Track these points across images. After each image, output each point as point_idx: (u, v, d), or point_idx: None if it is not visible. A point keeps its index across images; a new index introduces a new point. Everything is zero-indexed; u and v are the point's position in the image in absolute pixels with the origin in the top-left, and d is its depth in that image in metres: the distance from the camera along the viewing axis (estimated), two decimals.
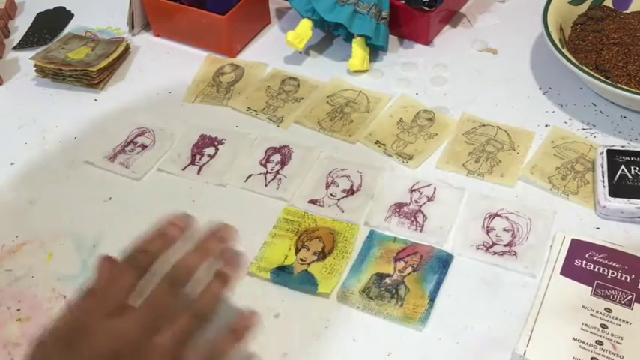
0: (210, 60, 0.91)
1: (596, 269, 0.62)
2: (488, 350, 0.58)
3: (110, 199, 0.74)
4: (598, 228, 0.67)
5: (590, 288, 0.61)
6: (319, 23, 0.88)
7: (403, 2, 0.88)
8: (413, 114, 0.81)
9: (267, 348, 0.59)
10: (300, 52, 0.90)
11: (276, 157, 0.76)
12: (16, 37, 0.98)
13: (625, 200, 0.66)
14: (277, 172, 0.75)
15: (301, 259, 0.66)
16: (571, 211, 0.69)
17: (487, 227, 0.67)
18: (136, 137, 0.80)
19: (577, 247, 0.64)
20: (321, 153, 0.77)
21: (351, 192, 0.72)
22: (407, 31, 0.91)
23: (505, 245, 0.66)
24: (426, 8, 0.86)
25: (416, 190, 0.72)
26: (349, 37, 0.88)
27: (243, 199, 0.73)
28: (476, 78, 0.85)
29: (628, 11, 0.88)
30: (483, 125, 0.78)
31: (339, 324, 0.61)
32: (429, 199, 0.71)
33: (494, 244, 0.66)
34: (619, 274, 0.61)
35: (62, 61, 0.87)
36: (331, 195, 0.72)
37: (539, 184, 0.71)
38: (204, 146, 0.78)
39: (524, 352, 0.56)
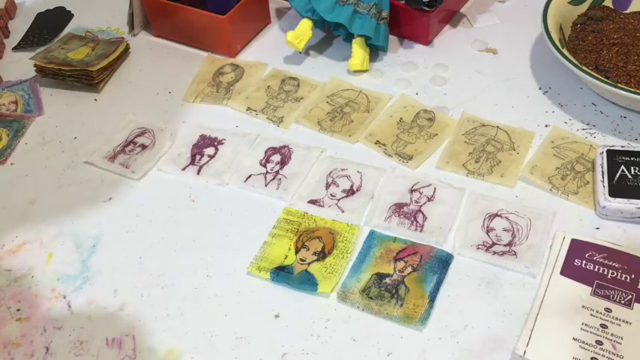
0: (210, 60, 0.91)
1: (596, 269, 0.62)
2: (488, 350, 0.58)
3: (110, 199, 0.74)
4: (598, 228, 0.67)
5: (590, 288, 0.61)
6: (319, 23, 0.88)
7: (403, 2, 0.88)
8: (413, 114, 0.81)
9: (267, 348, 0.60)
10: (300, 52, 0.90)
11: (276, 157, 0.76)
12: (16, 37, 0.98)
13: (625, 200, 0.66)
14: (277, 172, 0.75)
15: (301, 259, 0.66)
16: (571, 211, 0.69)
17: (487, 227, 0.67)
18: (136, 137, 0.80)
19: (577, 247, 0.64)
20: (321, 153, 0.77)
21: (351, 192, 0.72)
22: (407, 31, 0.91)
23: (505, 245, 0.66)
24: (426, 8, 0.86)
25: (416, 190, 0.72)
26: (349, 37, 0.88)
27: (243, 199, 0.73)
28: (476, 78, 0.85)
29: (628, 11, 0.88)
30: (483, 125, 0.78)
31: (339, 324, 0.61)
32: (429, 199, 0.71)
33: (494, 244, 0.66)
34: (619, 274, 0.61)
35: (62, 61, 0.87)
36: (331, 195, 0.72)
37: (539, 184, 0.71)
38: (204, 146, 0.78)
39: (524, 352, 0.56)
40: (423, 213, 0.69)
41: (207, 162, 0.77)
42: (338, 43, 0.92)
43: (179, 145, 0.79)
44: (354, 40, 0.86)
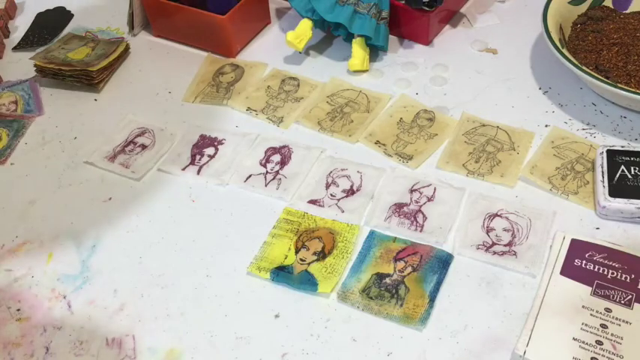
0: (210, 60, 0.91)
1: (596, 269, 0.62)
2: (488, 350, 0.58)
3: (110, 199, 0.74)
4: (598, 228, 0.67)
5: (590, 288, 0.61)
6: (319, 23, 0.88)
7: (403, 2, 0.88)
8: (413, 114, 0.81)
9: (267, 348, 0.60)
10: (300, 52, 0.90)
11: (276, 157, 0.76)
12: (16, 37, 0.98)
13: (625, 200, 0.66)
14: (277, 172, 0.75)
15: (301, 259, 0.66)
16: (571, 211, 0.69)
17: (487, 227, 0.67)
18: (136, 137, 0.80)
19: (577, 247, 0.64)
20: (321, 153, 0.77)
21: (351, 192, 0.72)
22: (407, 31, 0.91)
23: (505, 245, 0.66)
24: (426, 8, 0.86)
25: (416, 190, 0.72)
26: (349, 37, 0.88)
27: (243, 199, 0.73)
28: (476, 78, 0.85)
29: (628, 11, 0.88)
30: (483, 125, 0.78)
31: (339, 324, 0.61)
32: (429, 199, 0.71)
33: (494, 244, 0.66)
34: (619, 274, 0.61)
35: (62, 61, 0.87)
36: (331, 195, 0.72)
37: (539, 184, 0.71)
38: (204, 146, 0.78)
39: (524, 352, 0.56)
40: (423, 213, 0.69)
41: (207, 162, 0.77)
42: (338, 43, 0.92)
43: (179, 145, 0.79)
44: (354, 40, 0.86)
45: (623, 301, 0.59)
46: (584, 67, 0.75)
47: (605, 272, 0.62)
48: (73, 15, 1.01)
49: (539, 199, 0.70)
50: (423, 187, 0.72)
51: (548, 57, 0.85)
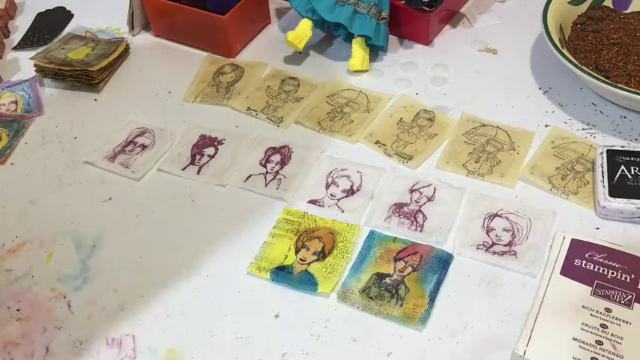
0: (210, 60, 0.91)
1: (596, 269, 0.62)
2: (488, 350, 0.58)
3: (110, 199, 0.74)
4: (598, 228, 0.67)
5: (590, 288, 0.61)
6: (319, 23, 0.88)
7: (403, 2, 0.88)
8: (413, 114, 0.81)
9: (267, 348, 0.60)
10: (300, 52, 0.90)
11: (276, 157, 0.76)
12: (16, 37, 0.98)
13: (625, 200, 0.66)
14: (277, 172, 0.75)
15: (301, 259, 0.66)
16: (571, 211, 0.69)
17: (487, 227, 0.67)
18: (136, 137, 0.80)
19: (577, 247, 0.64)
20: (321, 153, 0.77)
21: (351, 192, 0.72)
22: (407, 31, 0.91)
23: (505, 245, 0.66)
24: (426, 8, 0.86)
25: (416, 190, 0.72)
26: (349, 37, 0.88)
27: (243, 199, 0.73)
28: (476, 78, 0.85)
29: (628, 11, 0.88)
30: (483, 125, 0.79)
31: (339, 324, 0.61)
32: (429, 199, 0.71)
33: (494, 244, 0.66)
34: (619, 274, 0.61)
35: (62, 61, 0.87)
36: (331, 195, 0.72)
37: (539, 184, 0.71)
38: (204, 146, 0.78)
39: (524, 352, 0.56)
40: (423, 213, 0.69)
41: (207, 162, 0.77)
42: (338, 43, 0.92)
43: (179, 145, 0.79)
44: (354, 40, 0.86)
45: (623, 301, 0.59)
46: (584, 67, 0.75)
47: (605, 272, 0.62)
48: (73, 15, 1.01)
49: (539, 199, 0.70)
50: (423, 187, 0.72)
51: (548, 57, 0.85)
